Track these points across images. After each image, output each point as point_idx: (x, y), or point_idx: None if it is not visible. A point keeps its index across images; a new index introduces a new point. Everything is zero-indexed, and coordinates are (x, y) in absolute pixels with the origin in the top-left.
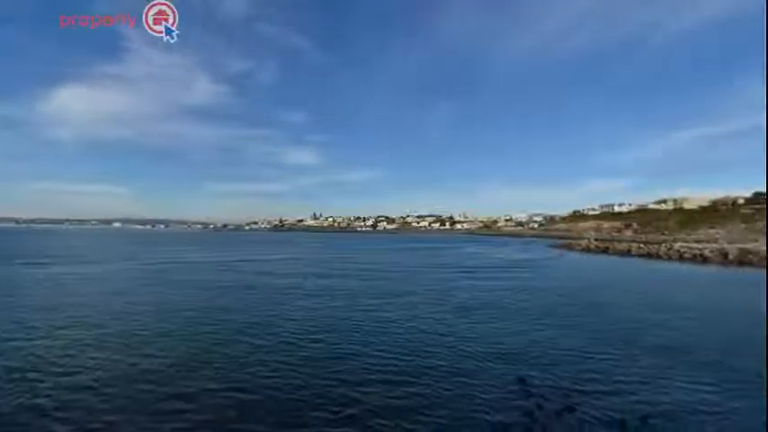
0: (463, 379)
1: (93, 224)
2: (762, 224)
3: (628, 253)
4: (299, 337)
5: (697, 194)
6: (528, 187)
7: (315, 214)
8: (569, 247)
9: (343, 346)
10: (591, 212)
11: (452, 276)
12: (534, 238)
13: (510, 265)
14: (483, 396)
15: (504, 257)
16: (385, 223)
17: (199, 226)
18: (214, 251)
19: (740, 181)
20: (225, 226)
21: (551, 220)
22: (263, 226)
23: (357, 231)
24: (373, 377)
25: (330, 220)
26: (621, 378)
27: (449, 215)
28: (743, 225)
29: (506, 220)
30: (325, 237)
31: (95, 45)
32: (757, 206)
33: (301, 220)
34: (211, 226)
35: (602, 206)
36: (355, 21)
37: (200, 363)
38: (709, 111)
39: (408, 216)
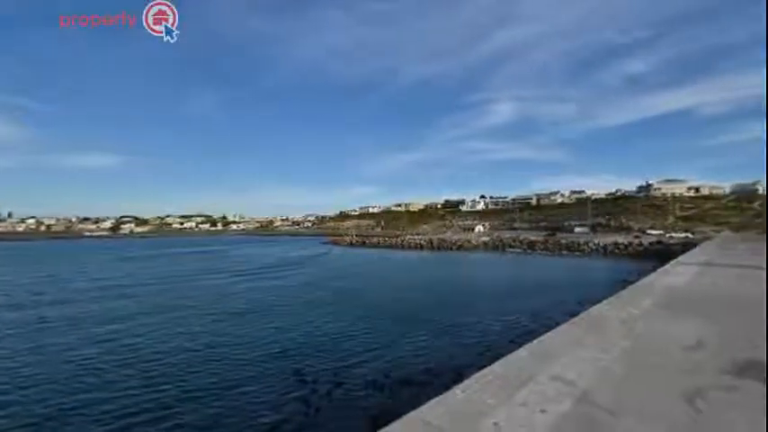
0: (239, 389)
1: None
2: (448, 222)
3: (378, 245)
4: None
5: (417, 201)
6: (303, 190)
7: None
8: (337, 243)
9: (64, 398)
10: (353, 213)
11: (224, 282)
12: (309, 237)
13: (286, 263)
14: (261, 400)
15: (280, 256)
16: (133, 225)
17: None
18: None
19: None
20: None
21: (323, 219)
22: None
23: (84, 237)
24: (116, 425)
25: (32, 221)
26: (375, 346)
27: (221, 215)
28: (440, 223)
29: (283, 220)
30: (15, 248)
31: None
32: (447, 210)
33: None
34: None
35: (361, 208)
36: None
37: None
38: (418, 141)
39: (168, 216)
